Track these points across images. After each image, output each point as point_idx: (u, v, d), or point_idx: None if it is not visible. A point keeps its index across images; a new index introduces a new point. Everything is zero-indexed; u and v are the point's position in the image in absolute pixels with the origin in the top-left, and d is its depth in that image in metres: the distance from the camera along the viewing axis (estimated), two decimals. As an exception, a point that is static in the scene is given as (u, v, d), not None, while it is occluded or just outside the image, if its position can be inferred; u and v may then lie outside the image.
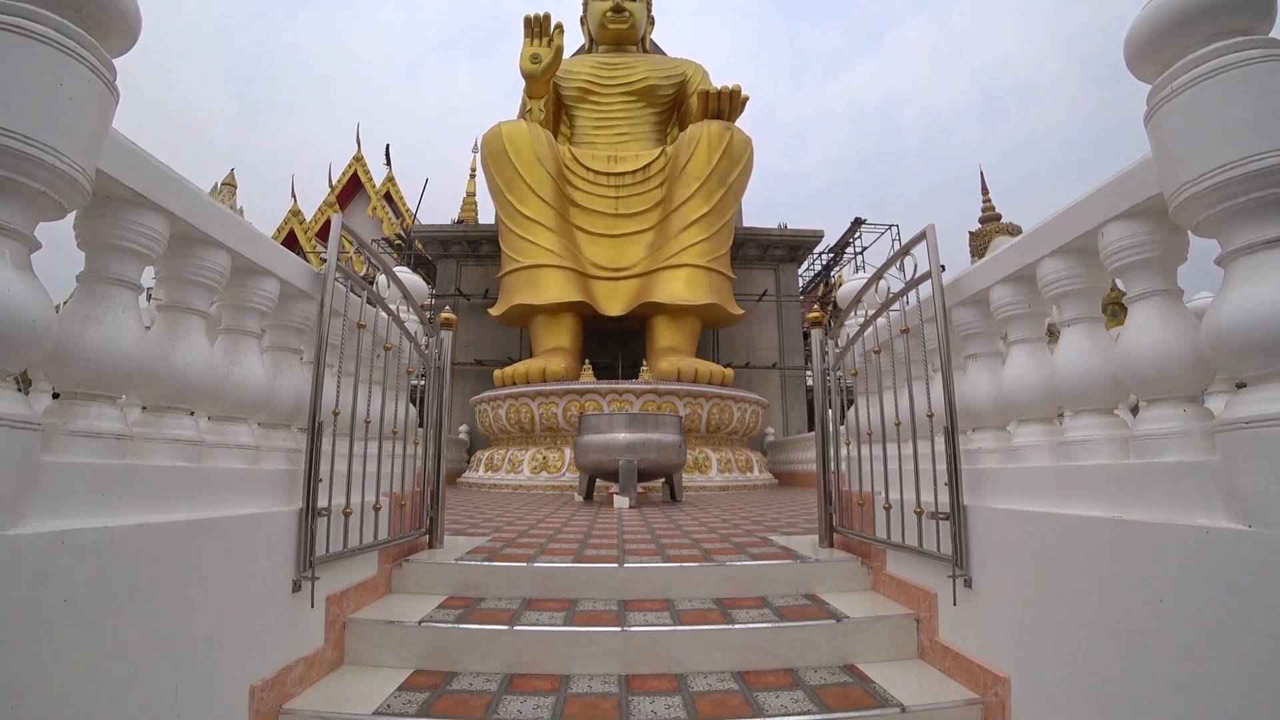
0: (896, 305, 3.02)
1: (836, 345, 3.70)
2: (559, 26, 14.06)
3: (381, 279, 3.11)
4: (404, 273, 3.74)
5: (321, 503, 2.41)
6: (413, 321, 3.57)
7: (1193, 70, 1.50)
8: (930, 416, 2.64)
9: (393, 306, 3.18)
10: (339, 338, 2.67)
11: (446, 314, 3.52)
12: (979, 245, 20.87)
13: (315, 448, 2.33)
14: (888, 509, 2.95)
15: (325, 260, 2.48)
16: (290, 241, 24.66)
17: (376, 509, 2.88)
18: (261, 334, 2.38)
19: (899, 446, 2.95)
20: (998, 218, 21.21)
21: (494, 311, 14.04)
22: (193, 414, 2.07)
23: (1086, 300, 2.13)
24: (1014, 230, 20.60)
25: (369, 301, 2.95)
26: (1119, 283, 1.98)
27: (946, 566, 2.45)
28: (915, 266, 2.77)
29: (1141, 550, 1.62)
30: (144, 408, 1.93)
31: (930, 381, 2.76)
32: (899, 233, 19.53)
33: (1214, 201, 1.48)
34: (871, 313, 3.21)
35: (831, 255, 20.91)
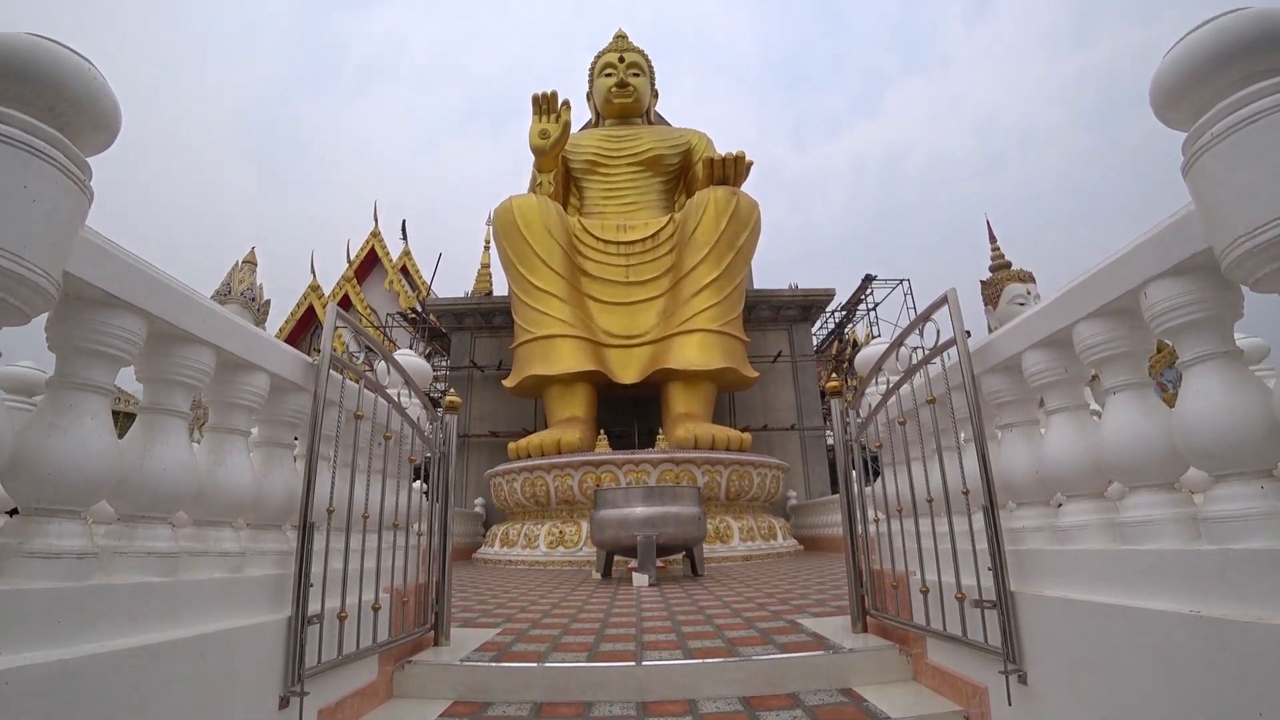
0: (920, 372, 2.86)
1: (858, 415, 3.52)
2: (566, 103, 14.48)
3: (381, 365, 3.00)
4: (406, 356, 3.65)
5: (314, 607, 2.24)
6: (415, 406, 3.44)
7: (1235, 113, 1.38)
8: (965, 493, 2.44)
9: (393, 392, 3.06)
10: (335, 429, 2.54)
11: (451, 397, 3.40)
12: (991, 294, 20.69)
13: (306, 550, 2.17)
14: (925, 592, 2.72)
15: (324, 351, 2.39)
16: (309, 317, 25.12)
17: (376, 609, 2.70)
18: (250, 431, 2.26)
19: (933, 522, 2.74)
20: (1007, 265, 21.09)
21: (508, 383, 13.97)
22: (172, 523, 1.93)
23: (1131, 364, 1.96)
24: (1025, 276, 20.43)
25: (368, 389, 2.84)
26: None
27: (996, 659, 2.21)
28: (938, 332, 2.62)
29: (1231, 652, 1.41)
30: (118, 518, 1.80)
31: (963, 452, 2.58)
32: (911, 287, 19.46)
33: (1276, 255, 1.33)
34: (894, 380, 3.05)
35: (844, 313, 20.83)
